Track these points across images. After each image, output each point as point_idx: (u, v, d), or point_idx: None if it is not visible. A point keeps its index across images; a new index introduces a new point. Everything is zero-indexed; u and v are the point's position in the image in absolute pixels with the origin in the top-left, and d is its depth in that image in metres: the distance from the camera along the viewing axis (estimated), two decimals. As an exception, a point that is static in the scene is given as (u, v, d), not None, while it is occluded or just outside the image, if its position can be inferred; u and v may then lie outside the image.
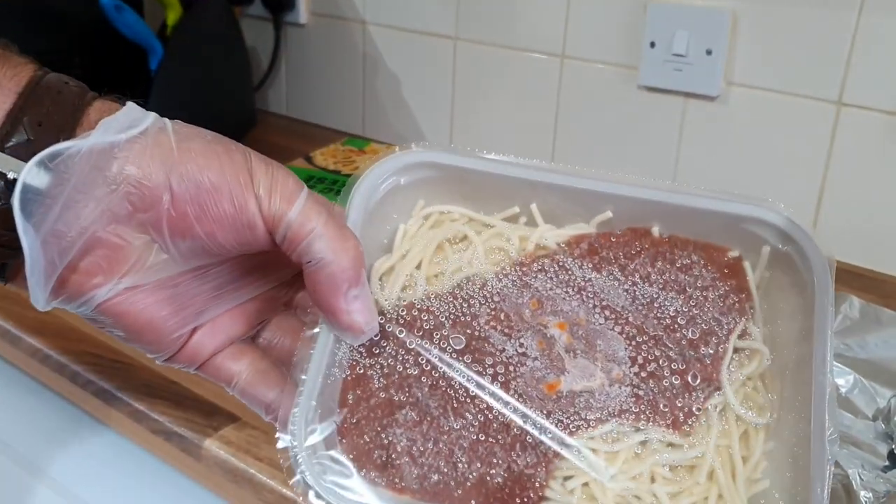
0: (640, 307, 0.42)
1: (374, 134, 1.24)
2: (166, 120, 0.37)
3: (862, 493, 0.49)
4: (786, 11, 0.86)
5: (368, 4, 1.18)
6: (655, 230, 0.45)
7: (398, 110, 1.21)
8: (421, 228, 0.45)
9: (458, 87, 1.13)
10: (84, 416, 0.69)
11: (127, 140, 0.35)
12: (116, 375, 0.63)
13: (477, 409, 0.39)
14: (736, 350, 0.42)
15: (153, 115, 0.37)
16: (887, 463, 0.55)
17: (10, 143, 0.34)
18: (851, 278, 0.85)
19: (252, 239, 0.37)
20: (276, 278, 0.43)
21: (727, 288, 0.43)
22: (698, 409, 0.40)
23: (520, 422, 0.39)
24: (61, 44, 0.98)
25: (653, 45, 0.93)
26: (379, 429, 0.39)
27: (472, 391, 0.39)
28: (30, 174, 0.33)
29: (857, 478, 0.50)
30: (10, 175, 0.34)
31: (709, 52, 0.90)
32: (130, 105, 0.37)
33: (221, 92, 1.16)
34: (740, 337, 0.42)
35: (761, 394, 0.41)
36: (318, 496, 0.36)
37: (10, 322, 0.70)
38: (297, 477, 0.37)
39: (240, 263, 0.41)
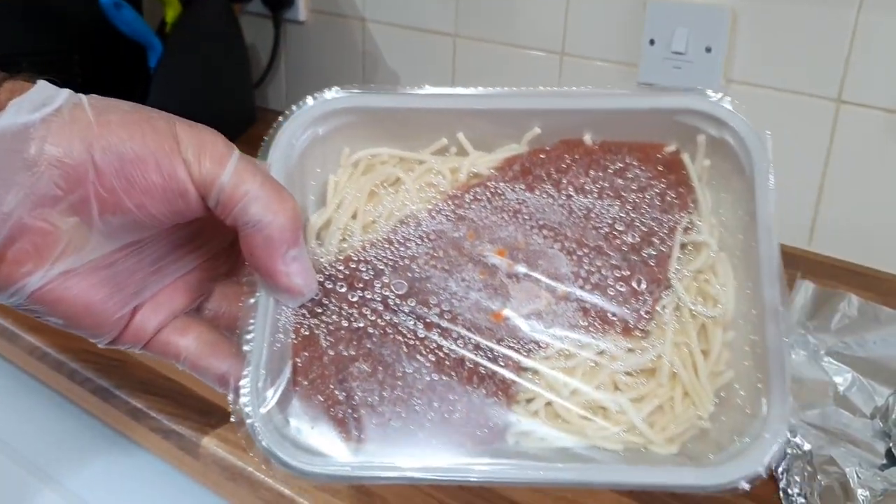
0: (577, 220, 0.41)
1: (373, 131, 1.24)
2: (81, 95, 0.36)
3: (859, 491, 0.49)
4: (785, 9, 0.86)
5: (368, 2, 1.18)
6: (587, 138, 0.43)
7: (398, 108, 1.21)
8: (352, 177, 0.44)
9: (458, 85, 1.13)
10: (82, 414, 0.69)
11: (42, 119, 0.34)
12: (114, 373, 0.63)
13: (428, 349, 0.39)
14: (683, 246, 0.41)
15: (67, 91, 0.36)
16: (885, 461, 0.55)
17: None
18: (850, 276, 0.85)
19: (185, 207, 0.36)
20: (213, 247, 0.41)
21: (665, 185, 0.42)
22: (647, 313, 0.39)
23: (472, 354, 0.38)
24: (61, 42, 0.98)
25: (652, 42, 0.93)
26: (333, 386, 0.39)
27: (421, 333, 0.39)
28: None
29: (855, 476, 0.50)
30: None
31: (708, 50, 0.90)
32: (42, 83, 0.35)
33: (221, 89, 1.16)
34: (685, 232, 0.41)
35: (713, 285, 0.40)
36: (282, 463, 0.36)
37: (9, 319, 0.70)
38: (258, 446, 0.36)
39: (175, 235, 0.39)
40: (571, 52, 1.01)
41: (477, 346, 0.39)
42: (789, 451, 0.52)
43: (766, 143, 0.41)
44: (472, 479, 0.37)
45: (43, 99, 0.35)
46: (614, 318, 0.40)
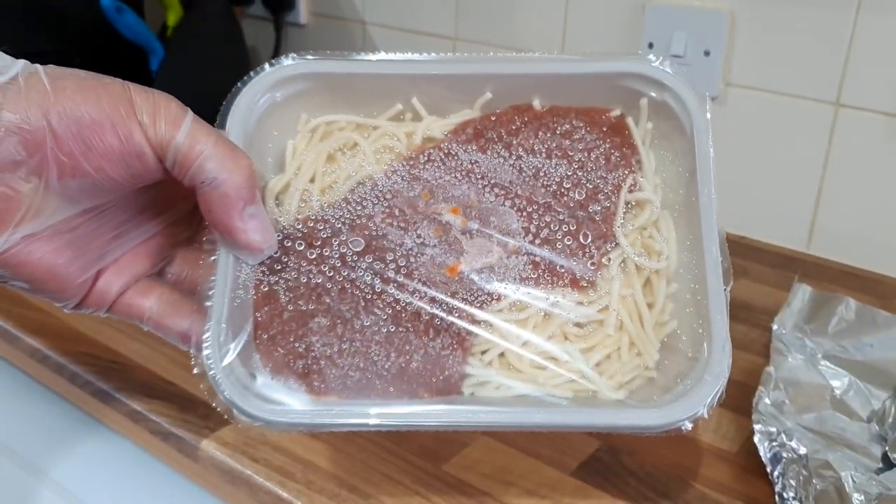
0: (527, 179, 0.43)
1: (374, 134, 1.25)
2: (37, 65, 0.37)
3: (854, 495, 0.49)
4: (784, 12, 0.86)
5: (368, 5, 1.18)
6: (536, 103, 0.45)
7: (398, 110, 1.21)
8: (310, 142, 0.45)
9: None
10: (82, 416, 0.69)
11: None
12: (114, 376, 0.63)
13: (385, 303, 0.40)
14: (627, 204, 0.43)
15: (22, 61, 0.37)
16: (881, 465, 0.55)
17: None
18: (848, 279, 0.85)
19: (142, 169, 0.37)
20: (174, 213, 0.43)
21: (610, 146, 0.44)
22: (594, 265, 0.41)
23: (428, 307, 0.40)
24: (61, 45, 0.99)
25: (651, 45, 0.93)
26: (294, 339, 0.40)
27: (379, 287, 0.40)
28: None
29: (850, 480, 0.50)
30: None
31: (707, 54, 0.90)
32: None
33: (222, 92, 1.16)
34: (629, 190, 0.43)
35: (656, 240, 0.43)
36: (243, 412, 0.38)
37: (10, 322, 0.70)
38: (219, 397, 0.38)
39: (136, 200, 0.40)
40: (571, 56, 1.01)
41: (433, 300, 0.41)
42: (785, 455, 0.53)
43: (705, 104, 0.43)
44: (428, 424, 0.39)
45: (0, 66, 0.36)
46: (563, 271, 0.41)
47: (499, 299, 0.41)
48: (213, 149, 0.37)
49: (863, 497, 0.49)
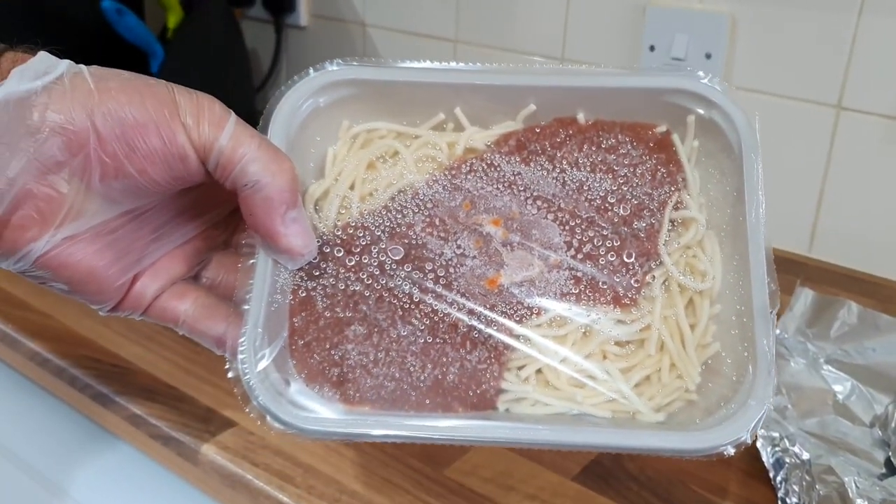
0: (570, 192, 0.42)
1: (374, 136, 1.24)
2: (82, 65, 0.37)
3: (858, 500, 0.49)
4: (785, 15, 0.86)
5: (368, 6, 1.18)
6: (580, 117, 0.44)
7: (399, 113, 1.21)
8: (350, 150, 0.45)
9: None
10: (82, 420, 0.69)
11: (44, 87, 0.35)
12: (115, 379, 0.63)
13: (423, 313, 0.40)
14: (672, 222, 0.42)
15: (67, 61, 0.36)
16: (884, 470, 0.55)
17: None
18: (850, 282, 0.85)
19: (185, 171, 0.37)
20: (212, 216, 0.42)
21: (656, 162, 0.43)
22: (637, 282, 0.40)
23: (466, 319, 0.39)
24: (61, 47, 0.98)
25: (652, 48, 0.93)
26: (329, 347, 0.39)
27: (417, 297, 0.40)
28: None
29: (854, 486, 0.50)
30: None
31: (708, 56, 0.90)
32: (42, 53, 0.36)
33: (222, 94, 1.15)
34: (674, 208, 0.43)
35: (701, 260, 0.41)
36: (276, 419, 0.37)
37: (10, 325, 0.70)
38: (253, 402, 0.37)
39: (175, 203, 0.40)
40: (571, 58, 1.01)
41: (471, 312, 0.40)
42: (788, 460, 0.52)
43: (754, 123, 0.42)
44: (464, 438, 0.38)
45: (44, 68, 0.35)
46: (605, 288, 0.40)
47: (538, 314, 0.40)
48: (256, 151, 0.37)
49: (866, 503, 0.49)
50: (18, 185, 0.35)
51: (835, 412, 0.60)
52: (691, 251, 0.42)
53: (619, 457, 0.56)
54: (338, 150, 0.45)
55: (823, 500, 0.49)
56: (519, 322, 0.40)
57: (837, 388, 0.62)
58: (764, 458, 0.54)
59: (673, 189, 0.43)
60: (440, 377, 0.39)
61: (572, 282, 0.41)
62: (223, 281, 0.43)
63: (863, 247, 0.88)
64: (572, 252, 0.41)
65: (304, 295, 0.41)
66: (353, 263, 0.41)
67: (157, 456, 0.60)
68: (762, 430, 0.55)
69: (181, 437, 0.58)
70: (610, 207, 0.42)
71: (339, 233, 0.42)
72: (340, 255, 0.41)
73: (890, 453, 0.55)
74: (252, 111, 1.26)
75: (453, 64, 0.44)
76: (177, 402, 0.61)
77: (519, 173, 0.43)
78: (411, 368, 0.40)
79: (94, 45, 1.01)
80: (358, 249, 0.41)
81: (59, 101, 0.35)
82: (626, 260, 0.41)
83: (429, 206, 0.42)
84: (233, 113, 0.38)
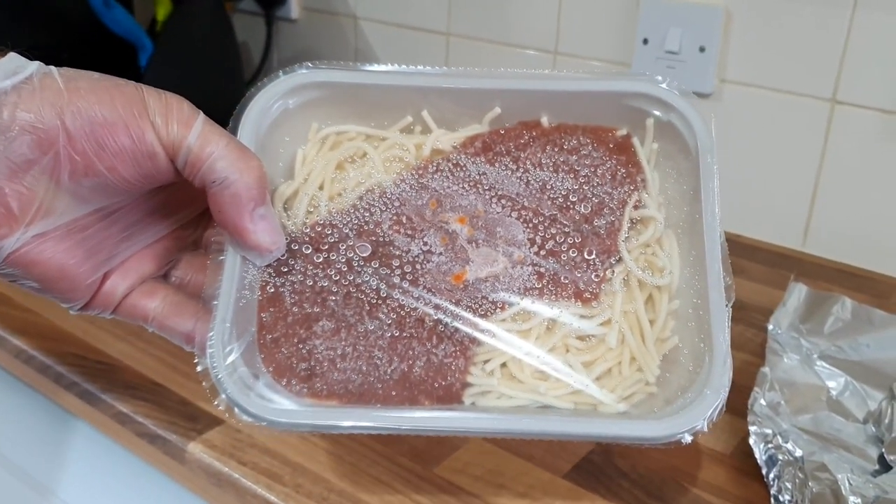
0: (533, 192, 0.43)
1: (366, 130, 1.24)
2: (52, 67, 0.37)
3: (851, 498, 0.48)
4: (779, 8, 0.85)
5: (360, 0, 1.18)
6: (544, 120, 0.45)
7: (390, 106, 1.20)
8: (320, 151, 0.45)
9: (451, 84, 1.12)
10: (68, 417, 0.68)
11: (13, 86, 0.35)
12: (100, 377, 0.62)
13: (390, 308, 0.40)
14: (631, 221, 0.44)
15: (37, 62, 0.37)
16: (877, 467, 0.54)
17: None
18: (844, 277, 0.85)
19: (154, 169, 0.37)
20: (182, 216, 0.43)
21: (616, 163, 0.44)
22: (598, 278, 0.42)
23: (432, 313, 0.40)
24: (50, 39, 0.97)
25: (646, 41, 0.92)
26: (297, 342, 0.40)
27: (384, 293, 0.41)
28: None
29: (847, 483, 0.49)
30: None
31: (702, 50, 0.89)
32: (12, 54, 0.37)
33: (212, 88, 1.15)
34: (634, 207, 0.44)
35: (659, 257, 0.43)
36: (244, 411, 0.38)
37: (-5, 322, 0.69)
38: (222, 395, 0.38)
39: (145, 203, 0.41)
40: (565, 51, 1.01)
41: (437, 307, 0.41)
42: (781, 457, 0.52)
43: (710, 125, 0.44)
44: (430, 428, 0.39)
45: (14, 68, 0.36)
46: (567, 283, 0.42)
47: (503, 308, 0.41)
48: (223, 150, 0.37)
49: (859, 500, 0.48)
50: None
51: (828, 408, 0.59)
52: (650, 249, 0.43)
53: (611, 454, 0.55)
54: (307, 152, 0.46)
55: (816, 497, 0.48)
56: (484, 317, 0.41)
57: (831, 384, 0.62)
58: (757, 455, 0.53)
59: (632, 189, 0.44)
60: (407, 371, 0.40)
61: (535, 277, 0.42)
62: (192, 280, 0.44)
63: (857, 242, 0.88)
64: (535, 248, 0.42)
65: (272, 291, 0.41)
66: (321, 260, 0.42)
67: (143, 454, 0.60)
68: (755, 427, 0.54)
69: (168, 435, 0.57)
70: (571, 206, 0.43)
71: (308, 231, 0.43)
72: (309, 252, 0.42)
73: (883, 450, 0.55)
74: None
75: (420, 67, 0.46)
76: (163, 400, 0.60)
77: (484, 173, 0.44)
78: (378, 362, 0.40)
79: (83, 38, 1.00)
80: (326, 247, 0.42)
81: (28, 100, 0.35)
82: (586, 256, 0.42)
83: (396, 204, 0.43)
84: (201, 113, 0.38)
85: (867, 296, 0.80)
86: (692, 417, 0.39)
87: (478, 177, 0.44)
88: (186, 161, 0.37)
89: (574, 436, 0.40)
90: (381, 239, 0.42)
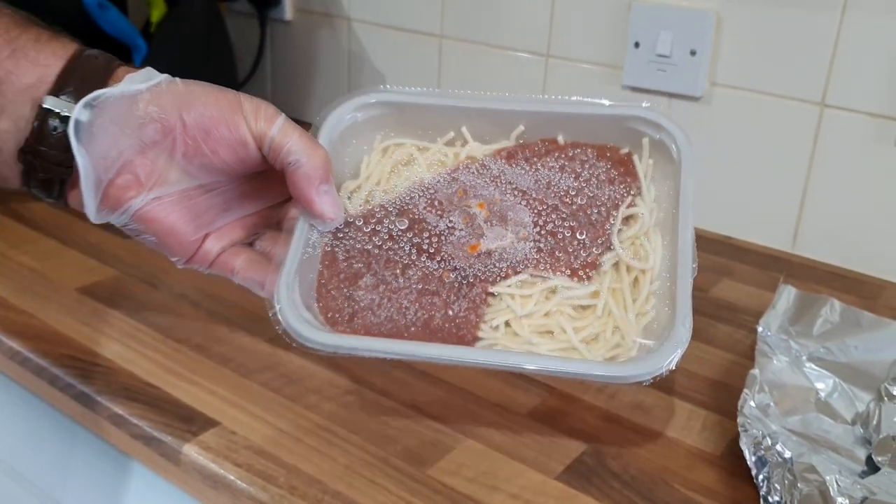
0: (541, 187, 0.53)
1: (359, 131, 1.24)
2: (177, 78, 0.50)
3: (839, 499, 0.49)
4: (770, 13, 0.86)
5: (353, 1, 1.18)
6: (560, 138, 0.55)
7: (383, 108, 1.21)
8: (381, 159, 0.56)
9: (443, 86, 1.13)
10: (63, 419, 0.69)
11: (147, 88, 0.48)
12: (96, 379, 0.63)
13: (419, 269, 0.50)
14: (626, 218, 0.52)
15: (166, 75, 0.49)
16: (865, 468, 0.55)
17: (63, 93, 0.47)
18: (833, 279, 0.85)
19: (245, 155, 0.50)
20: (268, 200, 0.55)
21: (617, 174, 0.53)
22: (588, 256, 0.50)
23: (452, 276, 0.49)
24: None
25: (637, 45, 0.93)
26: (345, 290, 0.50)
27: (415, 257, 0.50)
28: (78, 112, 0.46)
29: (835, 484, 0.50)
30: (64, 113, 0.47)
31: (693, 53, 0.90)
32: (148, 68, 0.50)
33: (206, 89, 1.16)
34: (628, 206, 0.52)
35: (645, 247, 0.51)
36: (300, 336, 0.47)
37: (-10, 324, 0.69)
38: (284, 325, 0.47)
39: (242, 186, 0.53)
40: (556, 55, 1.01)
41: (455, 269, 0.50)
42: (770, 458, 0.52)
43: (690, 140, 0.53)
44: (441, 358, 0.48)
45: (148, 76, 0.49)
46: (561, 257, 0.50)
47: (508, 275, 0.49)
48: (297, 139, 0.49)
49: (847, 501, 0.49)
50: (125, 157, 0.48)
51: (817, 410, 0.60)
52: (638, 241, 0.51)
53: (603, 455, 0.56)
54: (371, 158, 0.57)
55: (805, 498, 0.49)
56: (493, 283, 0.49)
57: (820, 385, 0.63)
58: (746, 457, 0.54)
59: (627, 192, 0.52)
60: (428, 319, 0.49)
61: (535, 251, 0.50)
62: (271, 251, 0.54)
63: (846, 244, 0.88)
64: (538, 229, 0.51)
65: (329, 250, 0.52)
66: (368, 230, 0.52)
67: (138, 456, 0.60)
68: (744, 429, 0.55)
69: (163, 436, 0.57)
70: (571, 198, 0.52)
71: (361, 209, 0.54)
72: (360, 224, 0.53)
73: (871, 451, 0.56)
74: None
75: (461, 91, 0.58)
76: (158, 402, 0.60)
77: (503, 172, 0.54)
78: (406, 312, 0.49)
79: (76, 38, 1.00)
80: (374, 221, 0.52)
81: (157, 98, 0.48)
82: (578, 237, 0.51)
83: (431, 191, 0.53)
84: (283, 113, 0.50)
85: (856, 297, 0.80)
86: (654, 364, 0.47)
87: (498, 174, 0.53)
88: (270, 148, 0.49)
89: (555, 371, 0.47)
90: (416, 217, 0.52)
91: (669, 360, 0.47)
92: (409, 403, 0.61)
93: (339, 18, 1.20)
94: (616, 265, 0.50)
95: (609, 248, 0.50)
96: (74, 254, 0.82)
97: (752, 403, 0.58)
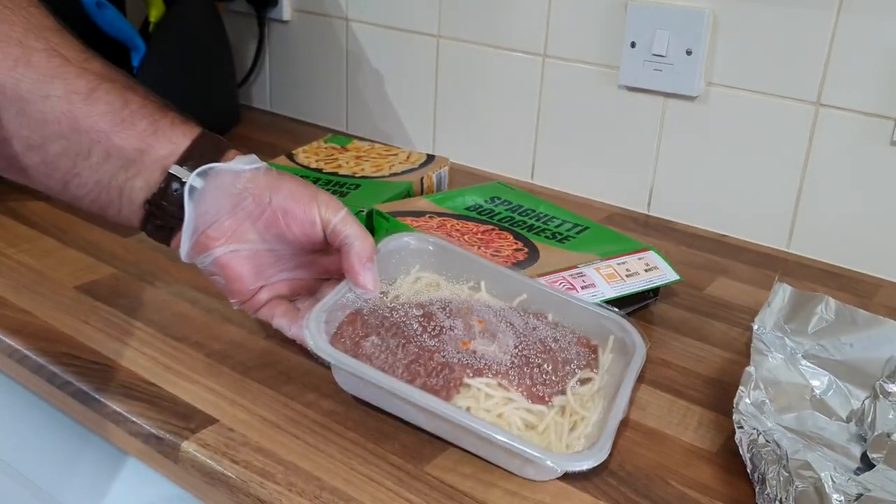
0: (529, 328, 0.64)
1: (356, 131, 1.24)
2: (271, 166, 0.62)
3: (834, 496, 0.49)
4: (765, 12, 0.87)
5: (352, 2, 1.18)
6: (550, 316, 0.67)
7: (381, 108, 1.21)
8: (414, 283, 0.69)
9: (441, 85, 1.13)
10: (61, 417, 0.69)
11: (249, 170, 0.61)
12: (94, 376, 0.63)
13: (416, 346, 0.59)
14: (581, 380, 0.62)
15: (265, 163, 0.62)
16: (860, 465, 0.55)
17: (186, 164, 0.59)
18: (828, 277, 0.86)
19: (312, 233, 0.61)
20: (317, 272, 0.66)
21: (586, 349, 0.65)
22: (546, 388, 0.59)
23: (440, 358, 0.58)
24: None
25: (633, 45, 0.93)
26: (354, 339, 0.60)
27: (418, 334, 0.60)
28: (193, 178, 0.59)
29: (830, 481, 0.50)
30: (184, 178, 0.59)
31: (689, 53, 0.90)
32: (252, 155, 0.62)
33: (205, 89, 1.16)
34: (584, 371, 0.63)
35: (589, 400, 0.61)
36: (317, 348, 0.56)
37: (-12, 323, 0.69)
38: (310, 343, 0.57)
39: (300, 256, 0.64)
40: (553, 54, 1.02)
41: (444, 354, 0.59)
42: (766, 455, 0.53)
43: (646, 343, 0.65)
44: (414, 399, 0.55)
45: (251, 161, 0.61)
46: (527, 382, 0.59)
47: (482, 375, 0.58)
48: (354, 227, 0.61)
49: (842, 497, 0.49)
50: (219, 216, 0.60)
51: (812, 407, 0.61)
52: (587, 397, 0.61)
53: (599, 452, 0.57)
54: (407, 279, 0.69)
55: (800, 495, 0.49)
56: (471, 375, 0.57)
57: (815, 383, 0.63)
58: (742, 454, 0.54)
59: (586, 364, 0.63)
60: (411, 382, 0.57)
61: (509, 366, 0.59)
62: (305, 309, 0.63)
63: (841, 242, 0.89)
64: (517, 351, 0.61)
65: (355, 311, 0.62)
66: (390, 306, 0.63)
67: (136, 453, 0.60)
68: (740, 426, 0.55)
69: (161, 434, 0.58)
70: (548, 345, 0.63)
71: (390, 300, 0.65)
72: (387, 300, 0.65)
73: (866, 448, 0.56)
74: (234, 106, 1.25)
75: (489, 255, 0.74)
76: (156, 399, 0.61)
77: (503, 310, 0.66)
78: (394, 371, 0.58)
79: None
80: (398, 303, 0.64)
81: (255, 179, 0.61)
82: (545, 367, 0.60)
83: (446, 302, 0.65)
84: (345, 206, 0.62)
85: (850, 295, 0.81)
86: (566, 460, 0.54)
87: (498, 310, 0.65)
88: (332, 231, 0.61)
89: (494, 438, 0.53)
90: (429, 311, 0.63)
91: (580, 462, 0.53)
92: (407, 401, 0.61)
93: (337, 18, 1.21)
94: (563, 408, 0.59)
95: (562, 393, 0.60)
96: (73, 252, 0.82)
97: (748, 401, 0.58)
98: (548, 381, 0.59)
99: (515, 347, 0.61)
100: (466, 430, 0.54)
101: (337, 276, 0.65)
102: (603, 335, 0.67)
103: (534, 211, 0.86)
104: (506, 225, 0.82)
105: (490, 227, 0.82)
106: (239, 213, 0.60)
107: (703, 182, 0.96)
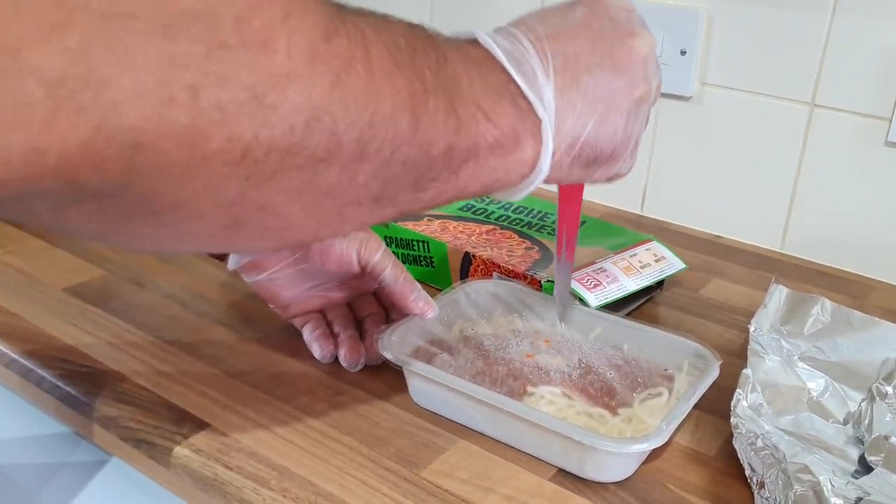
0: (595, 349, 0.65)
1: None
2: None
3: (833, 499, 0.49)
4: (760, 12, 0.86)
5: (343, 1, 1.17)
6: (626, 348, 0.66)
7: (372, 107, 1.20)
8: (490, 322, 0.70)
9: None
10: (51, 422, 0.68)
11: None
12: (84, 381, 0.62)
13: (483, 361, 0.62)
14: (650, 393, 0.62)
15: None
16: (858, 467, 0.55)
17: None
18: (822, 279, 0.86)
19: (348, 269, 0.65)
20: (348, 292, 0.71)
21: (660, 377, 0.63)
22: (610, 396, 0.60)
23: (506, 368, 0.62)
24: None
25: (627, 44, 0.93)
26: (429, 354, 0.63)
27: (487, 350, 0.64)
28: None
29: (829, 484, 0.50)
30: None
31: (683, 53, 0.90)
32: None
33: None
34: (656, 386, 0.63)
35: (658, 411, 0.59)
36: (397, 360, 0.60)
37: (-24, 325, 0.68)
38: (387, 355, 0.60)
39: (334, 286, 0.70)
40: (547, 54, 1.01)
41: (510, 363, 0.62)
42: (764, 458, 0.52)
43: (717, 367, 0.62)
44: (492, 401, 0.56)
45: None
46: (591, 391, 0.60)
47: (545, 384, 0.60)
48: (391, 267, 0.65)
49: (841, 501, 0.49)
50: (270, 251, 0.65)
51: (809, 409, 0.60)
52: (655, 408, 0.60)
53: (596, 456, 0.56)
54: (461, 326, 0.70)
55: (799, 498, 0.49)
56: (535, 385, 0.60)
57: (812, 385, 0.63)
58: (740, 457, 0.54)
59: (658, 384, 0.62)
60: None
61: (575, 378, 0.61)
62: (337, 330, 0.69)
63: (836, 243, 0.89)
64: (583, 364, 0.63)
65: (422, 347, 0.64)
66: (464, 335, 0.67)
67: (127, 458, 0.59)
68: (738, 429, 0.55)
69: (153, 439, 0.57)
70: (618, 363, 0.64)
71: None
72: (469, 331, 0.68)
73: (864, 451, 0.56)
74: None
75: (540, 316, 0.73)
76: (148, 404, 0.60)
77: (576, 339, 0.67)
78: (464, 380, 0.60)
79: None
80: (470, 333, 0.68)
81: None
82: (609, 375, 0.62)
83: (517, 331, 0.68)
84: (384, 245, 0.66)
85: (845, 296, 0.81)
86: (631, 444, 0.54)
87: (570, 338, 0.67)
88: (372, 270, 0.65)
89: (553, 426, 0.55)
90: (500, 334, 0.66)
91: (644, 444, 0.53)
92: (402, 404, 0.61)
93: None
94: (630, 418, 0.58)
95: (629, 405, 0.60)
96: (61, 253, 0.81)
97: (745, 403, 0.58)
98: (613, 393, 0.60)
99: (580, 361, 0.63)
100: (536, 427, 0.55)
101: (366, 292, 0.71)
102: (678, 363, 0.64)
103: (527, 208, 0.85)
104: (505, 224, 0.82)
105: (491, 226, 0.81)
106: (287, 252, 0.66)
107: (697, 182, 0.96)
